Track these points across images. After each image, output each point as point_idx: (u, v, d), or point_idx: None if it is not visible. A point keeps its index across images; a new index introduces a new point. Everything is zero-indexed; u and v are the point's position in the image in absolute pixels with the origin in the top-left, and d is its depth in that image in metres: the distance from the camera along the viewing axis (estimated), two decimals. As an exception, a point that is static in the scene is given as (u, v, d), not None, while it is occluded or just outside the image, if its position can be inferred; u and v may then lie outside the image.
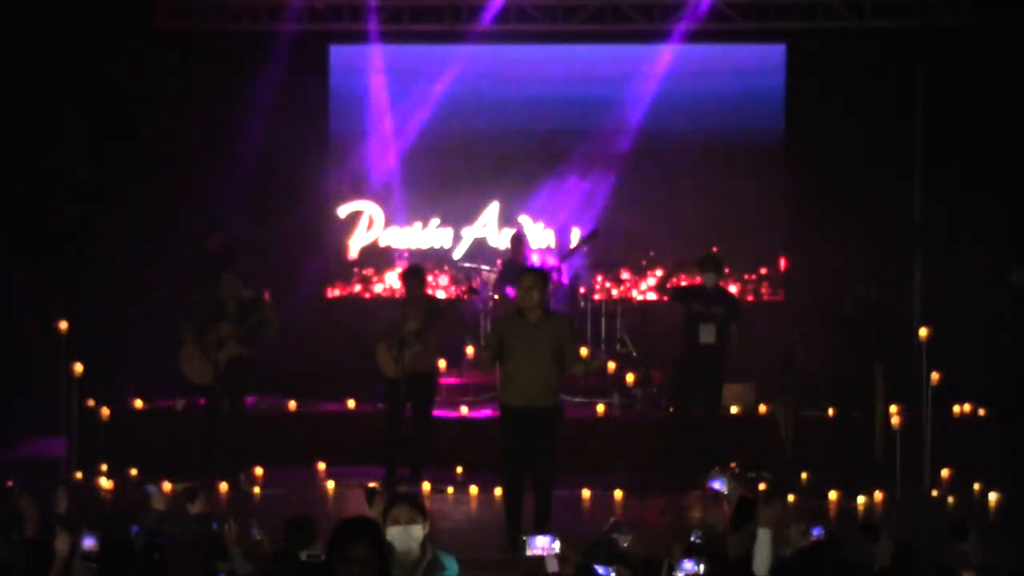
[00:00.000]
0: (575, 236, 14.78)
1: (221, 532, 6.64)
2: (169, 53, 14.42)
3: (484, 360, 9.99)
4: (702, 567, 5.73)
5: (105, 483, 11.94)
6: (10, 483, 7.20)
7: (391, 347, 11.83)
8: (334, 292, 15.30)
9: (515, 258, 14.17)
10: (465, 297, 12.93)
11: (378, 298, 15.10)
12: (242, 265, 13.61)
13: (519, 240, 14.37)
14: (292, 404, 13.49)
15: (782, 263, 15.00)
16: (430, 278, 14.39)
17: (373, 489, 6.78)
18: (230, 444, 12.06)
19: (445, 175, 15.15)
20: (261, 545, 6.89)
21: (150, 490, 7.42)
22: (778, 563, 6.00)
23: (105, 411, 12.68)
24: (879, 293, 11.95)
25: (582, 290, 14.33)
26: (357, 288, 15.31)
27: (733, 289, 14.10)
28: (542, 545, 6.12)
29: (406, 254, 15.18)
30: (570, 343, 9.69)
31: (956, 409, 13.02)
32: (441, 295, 14.53)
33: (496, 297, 14.06)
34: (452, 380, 13.67)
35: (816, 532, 6.41)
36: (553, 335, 9.59)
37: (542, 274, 9.91)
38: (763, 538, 6.01)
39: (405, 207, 15.24)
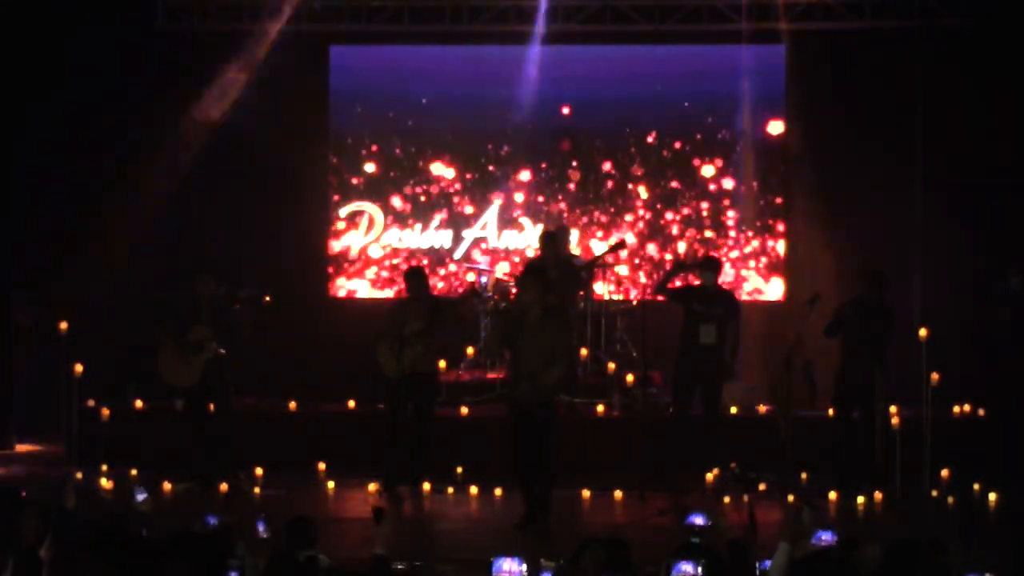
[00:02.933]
0: (573, 237, 14.71)
1: (228, 530, 6.65)
2: (169, 53, 14.40)
3: (495, 355, 10.86)
4: (700, 569, 5.71)
5: (105, 483, 11.94)
6: (23, 493, 7.31)
7: (392, 347, 11.82)
8: (334, 292, 15.27)
9: (548, 258, 13.91)
10: (461, 293, 12.91)
11: (378, 299, 15.06)
12: (241, 267, 13.65)
13: (551, 238, 13.78)
14: (292, 404, 13.49)
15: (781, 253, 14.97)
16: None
17: (380, 509, 6.66)
18: (221, 444, 12.05)
19: (445, 175, 15.14)
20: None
21: (138, 494, 7.43)
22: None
23: (105, 411, 12.68)
24: (878, 293, 11.94)
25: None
26: (358, 288, 15.28)
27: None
28: (508, 568, 6.15)
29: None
30: (560, 334, 10.25)
31: (956, 409, 13.02)
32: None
33: (496, 297, 14.02)
34: (452, 380, 13.64)
35: (825, 537, 6.39)
36: (551, 330, 10.17)
37: (536, 273, 10.41)
38: (782, 549, 5.98)
39: (405, 207, 15.22)
